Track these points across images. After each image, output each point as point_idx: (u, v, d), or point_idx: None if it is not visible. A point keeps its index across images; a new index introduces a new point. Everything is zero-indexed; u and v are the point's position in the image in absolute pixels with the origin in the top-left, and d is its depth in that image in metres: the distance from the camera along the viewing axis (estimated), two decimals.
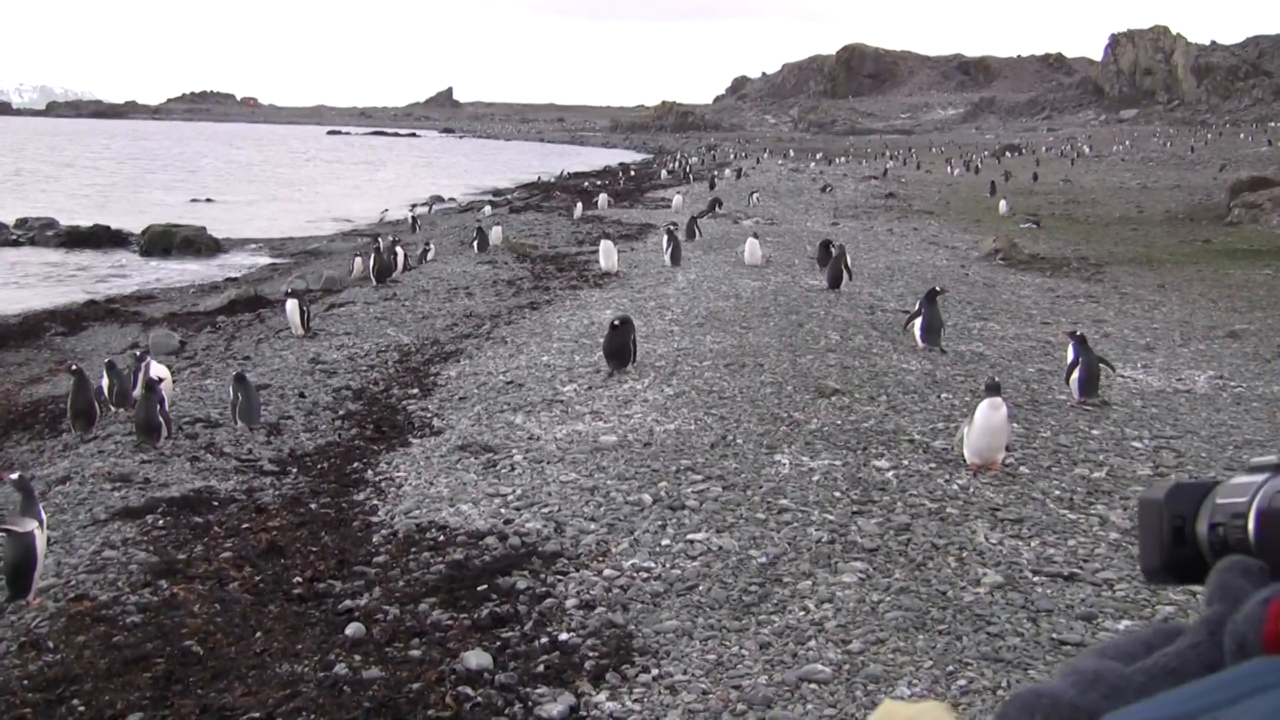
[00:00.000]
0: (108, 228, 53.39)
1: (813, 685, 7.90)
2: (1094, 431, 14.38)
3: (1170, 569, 1.37)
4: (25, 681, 8.55)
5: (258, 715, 7.86)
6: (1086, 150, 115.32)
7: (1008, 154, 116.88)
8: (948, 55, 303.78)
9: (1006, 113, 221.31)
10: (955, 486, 12.06)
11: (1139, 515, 1.42)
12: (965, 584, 9.42)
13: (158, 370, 17.33)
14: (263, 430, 15.87)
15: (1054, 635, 8.55)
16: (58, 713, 8.03)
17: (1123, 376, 17.44)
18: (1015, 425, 13.49)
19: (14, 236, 54.58)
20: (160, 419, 15.08)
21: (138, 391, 17.30)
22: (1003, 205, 48.63)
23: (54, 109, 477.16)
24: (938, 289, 20.04)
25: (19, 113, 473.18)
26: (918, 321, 19.19)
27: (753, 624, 8.89)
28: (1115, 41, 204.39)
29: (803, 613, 9.03)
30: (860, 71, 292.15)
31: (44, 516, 10.76)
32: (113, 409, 17.44)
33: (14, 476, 11.02)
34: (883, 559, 10.09)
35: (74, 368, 17.82)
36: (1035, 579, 9.62)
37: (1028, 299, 25.39)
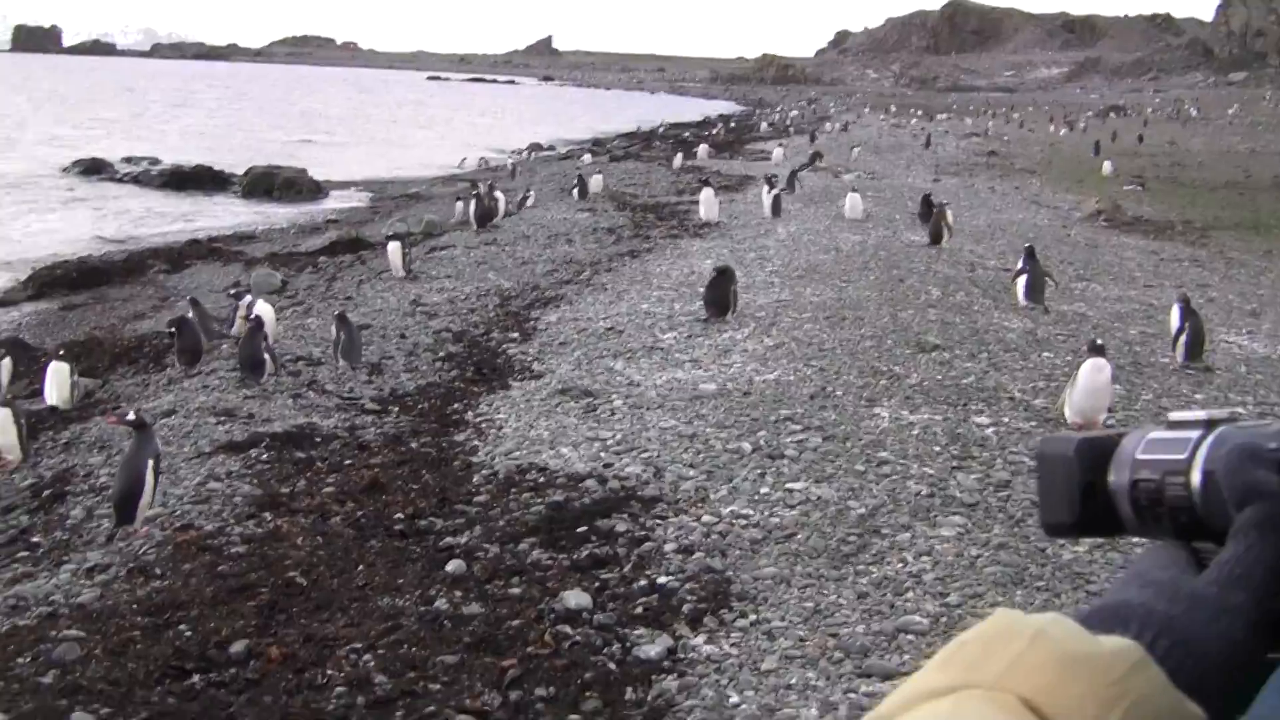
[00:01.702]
0: (210, 168, 53.82)
1: (909, 636, 7.89)
2: (1197, 396, 14.24)
3: (1080, 524, 1.37)
4: (134, 605, 8.70)
5: (359, 646, 7.96)
6: (1193, 113, 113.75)
7: (1112, 115, 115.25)
8: (1053, 13, 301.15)
9: (1112, 73, 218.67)
10: None
11: (1040, 469, 1.39)
12: (1064, 542, 9.37)
13: (262, 308, 17.50)
14: (364, 369, 15.99)
15: None
16: (165, 636, 8.15)
17: (1227, 342, 17.24)
18: (1117, 386, 13.38)
19: (119, 175, 55.23)
20: (265, 355, 15.24)
21: (236, 329, 17.53)
22: (1106, 166, 48.01)
23: (158, 51, 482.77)
24: (1031, 247, 19.93)
25: (124, 54, 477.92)
26: (1021, 279, 19.06)
27: (851, 574, 8.89)
28: (1226, 2, 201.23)
29: (900, 564, 9.02)
30: (964, 27, 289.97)
31: (160, 451, 10.93)
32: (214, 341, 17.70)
33: (131, 416, 11.18)
34: (981, 514, 10.04)
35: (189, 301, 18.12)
36: (1135, 539, 9.54)
37: (1130, 261, 25.11)
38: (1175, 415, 1.30)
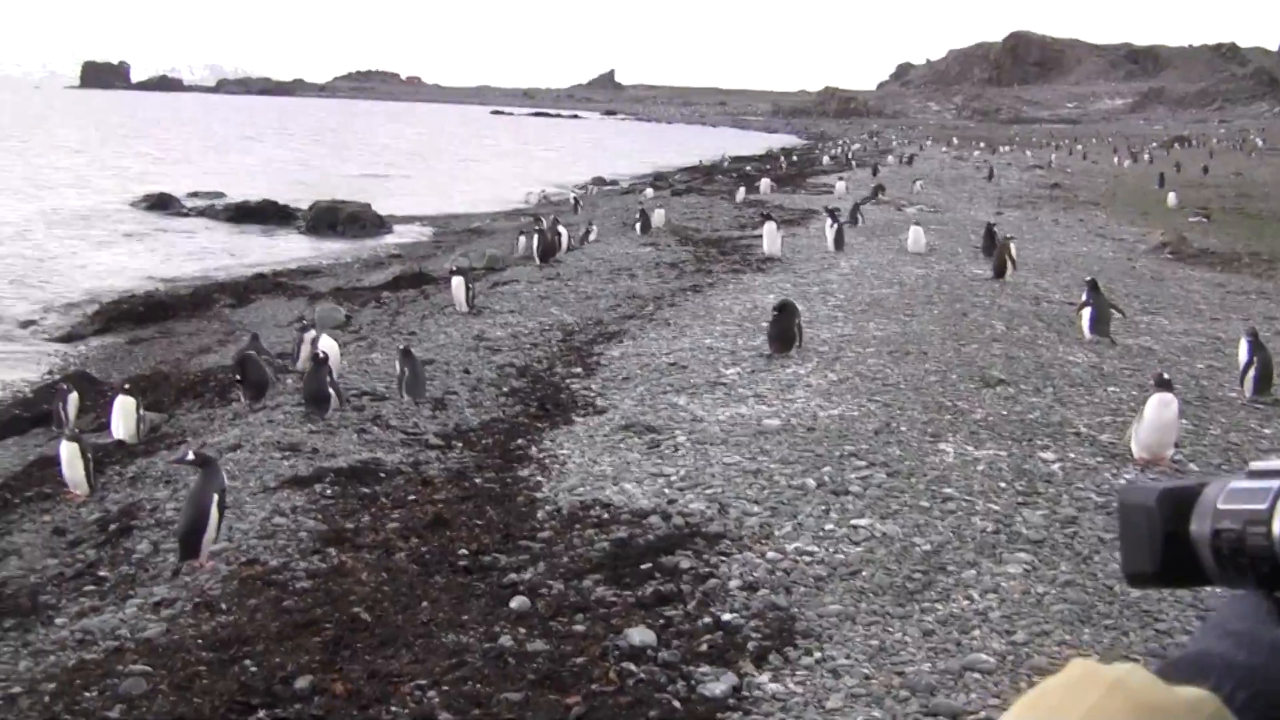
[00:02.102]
0: (275, 203, 54.37)
1: (976, 674, 7.84)
2: (1266, 430, 14.13)
3: (1162, 574, 1.36)
4: (199, 640, 8.74)
5: (424, 682, 7.96)
6: (1259, 143, 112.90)
7: (1176, 145, 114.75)
8: (1116, 44, 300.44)
9: (1176, 103, 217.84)
10: (1122, 480, 11.88)
11: (1123, 519, 1.39)
12: (1147, 591, 9.28)
13: (326, 343, 17.61)
14: (428, 405, 16.03)
15: None
16: (230, 671, 8.18)
17: None
18: (1185, 421, 13.28)
19: (185, 209, 55.83)
20: (329, 390, 15.31)
21: (301, 364, 17.63)
22: (1171, 198, 47.71)
23: (224, 86, 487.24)
24: (1094, 280, 19.84)
25: (190, 89, 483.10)
26: (1086, 311, 18.95)
27: (916, 611, 8.84)
28: None
29: (966, 602, 8.97)
30: (1026, 59, 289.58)
31: (225, 486, 10.99)
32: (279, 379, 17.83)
33: (190, 456, 11.25)
34: (1048, 551, 9.98)
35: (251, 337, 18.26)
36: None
37: (1196, 294, 24.93)
38: (1256, 465, 1.30)
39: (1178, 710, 1.03)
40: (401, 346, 17.32)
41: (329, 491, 12.34)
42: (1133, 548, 1.38)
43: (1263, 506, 1.24)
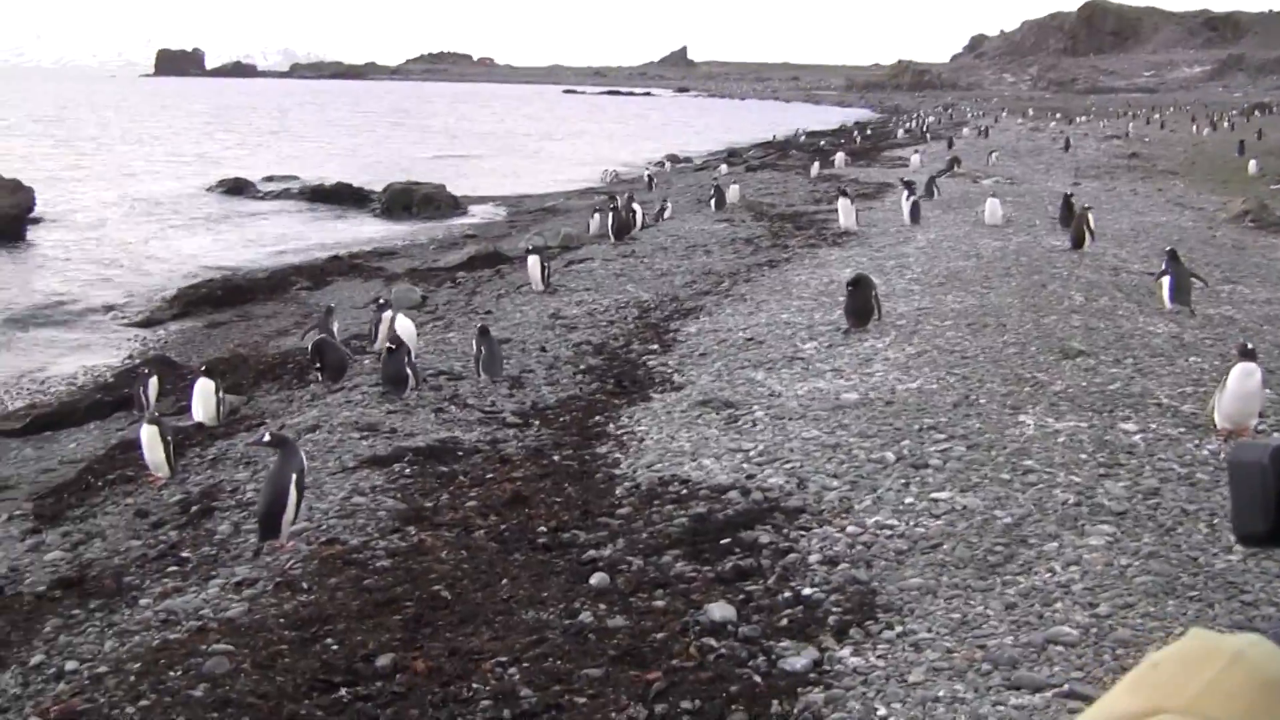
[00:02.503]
0: (349, 185, 54.74)
1: (1059, 647, 7.75)
2: None
3: (1276, 533, 1.31)
4: (281, 619, 8.79)
5: (504, 659, 7.97)
6: None
7: (1257, 113, 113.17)
8: (1194, 11, 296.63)
9: (1256, 70, 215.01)
10: (1205, 452, 11.73)
11: (1234, 477, 1.34)
12: (1217, 550, 9.14)
13: (403, 324, 17.67)
14: (505, 383, 16.06)
15: None
16: (312, 650, 8.22)
17: None
18: (1268, 391, 13.10)
19: (261, 193, 56.23)
20: (408, 371, 15.36)
21: (379, 344, 17.70)
22: (1252, 165, 47.08)
23: (297, 70, 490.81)
24: (1173, 249, 19.65)
25: (264, 75, 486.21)
26: (1165, 280, 18.74)
27: (998, 584, 8.76)
28: None
29: (1049, 574, 8.87)
30: (1102, 28, 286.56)
31: (305, 466, 11.05)
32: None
33: (266, 438, 11.32)
34: (1130, 523, 9.86)
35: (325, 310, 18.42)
36: None
37: (1279, 262, 24.63)
38: None
39: None
40: (479, 326, 17.34)
41: (407, 471, 12.41)
42: (1245, 507, 1.33)
43: None
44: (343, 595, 9.19)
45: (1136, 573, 8.80)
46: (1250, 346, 12.75)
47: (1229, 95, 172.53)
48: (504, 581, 9.44)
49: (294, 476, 10.49)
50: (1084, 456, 11.54)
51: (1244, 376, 12.11)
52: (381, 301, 20.07)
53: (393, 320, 18.16)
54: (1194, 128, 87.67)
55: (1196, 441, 12.04)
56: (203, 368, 17.74)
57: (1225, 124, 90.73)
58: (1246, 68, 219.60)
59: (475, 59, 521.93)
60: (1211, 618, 8.05)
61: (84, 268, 35.24)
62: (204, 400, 16.25)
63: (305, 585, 9.49)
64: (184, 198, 53.88)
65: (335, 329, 19.31)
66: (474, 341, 16.73)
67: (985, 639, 7.92)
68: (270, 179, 60.71)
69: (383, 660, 8.02)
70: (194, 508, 12.31)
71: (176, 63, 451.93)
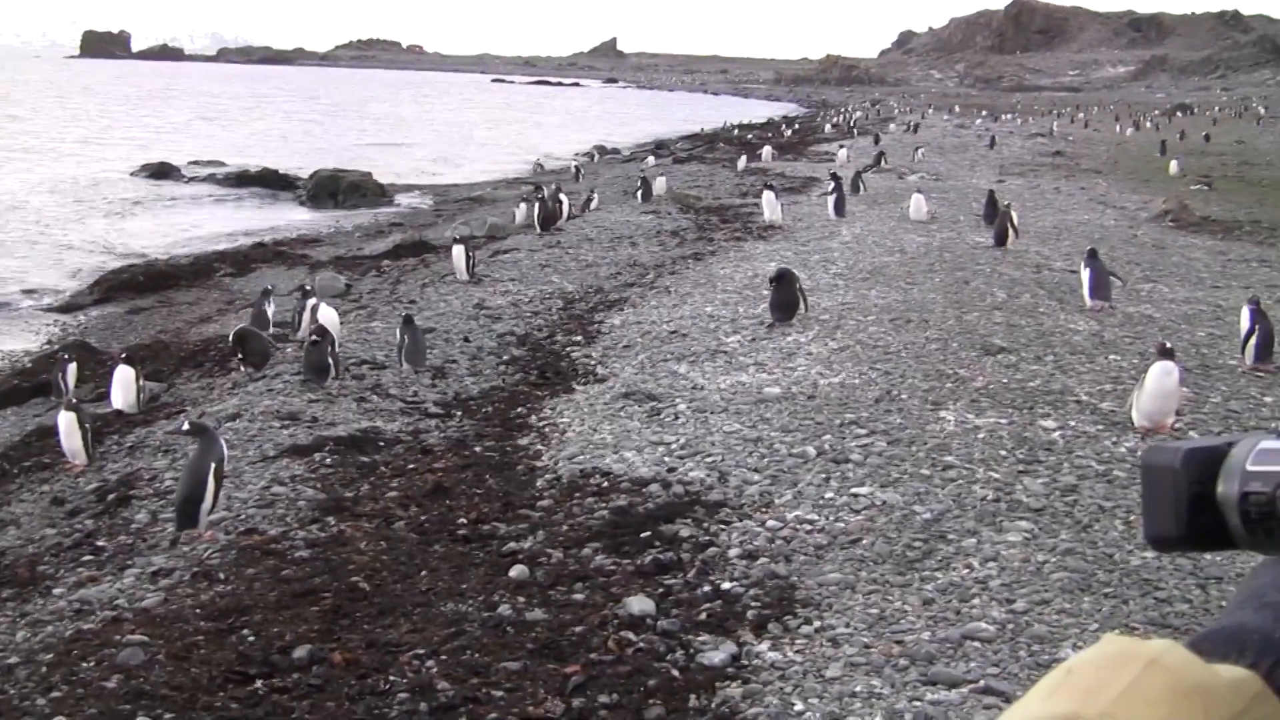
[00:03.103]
0: (275, 172, 54.43)
1: (976, 643, 7.81)
2: (1266, 399, 14.07)
3: (1188, 538, 1.31)
4: (198, 610, 8.74)
5: (423, 652, 7.96)
6: (1262, 111, 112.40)
7: (1179, 113, 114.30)
8: (1119, 11, 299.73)
9: (1179, 71, 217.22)
10: (1123, 449, 11.86)
11: (1146, 480, 1.34)
12: (1133, 547, 9.23)
13: (326, 312, 17.59)
14: (428, 373, 16.03)
15: (1223, 603, 8.35)
16: (228, 641, 8.18)
17: None
18: (1186, 389, 13.24)
19: (186, 178, 55.87)
20: (329, 360, 15.28)
21: (302, 332, 17.62)
22: (1173, 165, 47.52)
23: (224, 55, 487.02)
24: (1094, 249, 19.85)
25: (191, 58, 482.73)
26: (1085, 277, 18.91)
27: (916, 580, 8.82)
28: None
29: (967, 570, 8.94)
30: (1029, 27, 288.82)
31: (225, 455, 10.98)
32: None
33: (185, 426, 11.26)
34: (1048, 519, 9.94)
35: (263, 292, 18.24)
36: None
37: (1198, 262, 24.84)
38: None
39: (1220, 691, 0.98)
40: (403, 315, 17.28)
41: (328, 460, 12.36)
42: (1156, 510, 1.33)
43: None
44: (260, 586, 9.15)
45: (1053, 569, 8.88)
46: (1168, 345, 12.92)
47: (1152, 95, 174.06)
48: (423, 573, 9.43)
49: (213, 466, 10.43)
50: (1003, 453, 11.64)
51: (1162, 375, 12.25)
52: (305, 289, 19.97)
53: (316, 308, 18.08)
54: (1117, 127, 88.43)
55: (1114, 439, 12.16)
56: (123, 354, 17.55)
57: (1148, 124, 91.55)
58: (1169, 69, 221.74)
59: (405, 46, 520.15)
60: (1126, 614, 8.13)
61: (3, 250, 34.86)
62: (124, 387, 16.09)
63: (223, 575, 9.44)
64: (108, 181, 53.32)
65: (270, 312, 19.16)
66: (397, 330, 16.68)
67: (903, 634, 7.97)
68: (196, 164, 60.28)
69: (300, 652, 7.99)
70: (111, 496, 12.19)
71: (102, 44, 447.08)
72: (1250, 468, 1.25)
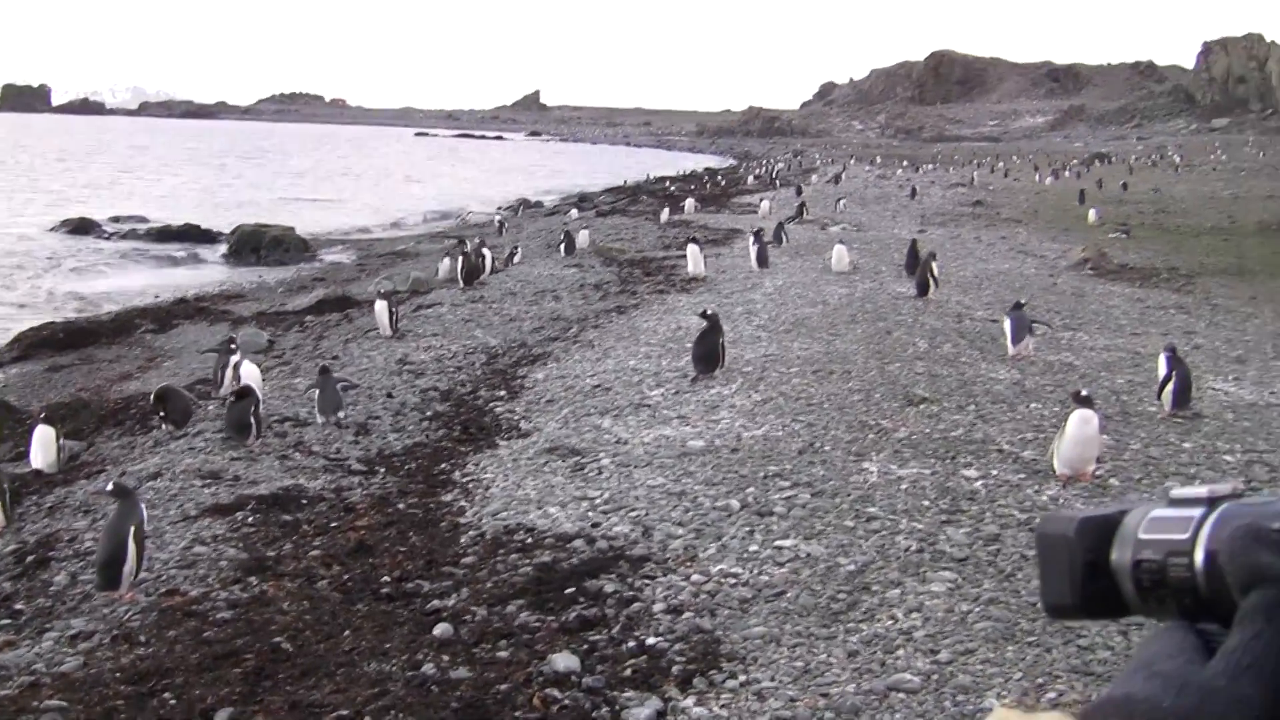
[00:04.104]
0: (198, 227, 54.33)
1: (901, 695, 7.83)
2: (1185, 444, 14.20)
3: (1083, 606, 1.33)
4: (118, 674, 8.65)
5: (346, 713, 7.90)
6: (1177, 159, 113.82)
7: (1097, 162, 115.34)
8: (1037, 62, 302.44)
9: (1096, 121, 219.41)
10: (1045, 497, 11.95)
11: (1041, 549, 1.36)
12: (1069, 623, 9.29)
13: (249, 369, 17.49)
14: (350, 430, 15.95)
15: None
16: (149, 705, 8.10)
17: (1214, 389, 17.20)
18: (1106, 437, 13.35)
19: (107, 234, 55.52)
20: (251, 419, 15.18)
21: (224, 389, 17.50)
22: (1092, 214, 48.01)
23: (146, 109, 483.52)
24: (1021, 301, 20.01)
25: (112, 112, 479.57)
26: (1007, 326, 19.07)
27: (841, 632, 8.85)
28: (1208, 49, 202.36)
29: (891, 621, 8.97)
30: (949, 78, 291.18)
31: (145, 516, 10.87)
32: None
33: (109, 488, 11.16)
34: (972, 569, 10.00)
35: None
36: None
37: (1117, 309, 25.10)
38: (1177, 492, 1.28)
39: None
40: (320, 365, 17.26)
41: (250, 519, 12.26)
42: (1052, 579, 1.35)
43: (1184, 536, 1.22)
44: (182, 648, 9.07)
45: (977, 619, 8.92)
46: (1087, 394, 13.01)
47: (1070, 145, 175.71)
48: (347, 632, 9.37)
49: (132, 529, 10.32)
50: (926, 503, 11.69)
51: (1082, 423, 12.35)
52: (229, 346, 19.87)
53: (238, 365, 17.96)
54: (1037, 176, 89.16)
55: (1036, 487, 12.25)
56: (42, 413, 17.39)
57: (1067, 173, 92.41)
58: (1087, 118, 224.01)
59: (328, 99, 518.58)
60: (1050, 663, 8.18)
61: None
62: (43, 446, 15.92)
63: (143, 638, 9.35)
64: (26, 237, 52.93)
65: (235, 362, 18.64)
66: (316, 381, 16.65)
67: (828, 687, 7.98)
68: (117, 219, 59.89)
69: (221, 715, 7.93)
70: (30, 558, 12.01)
71: (22, 98, 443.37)
72: (1142, 536, 1.27)
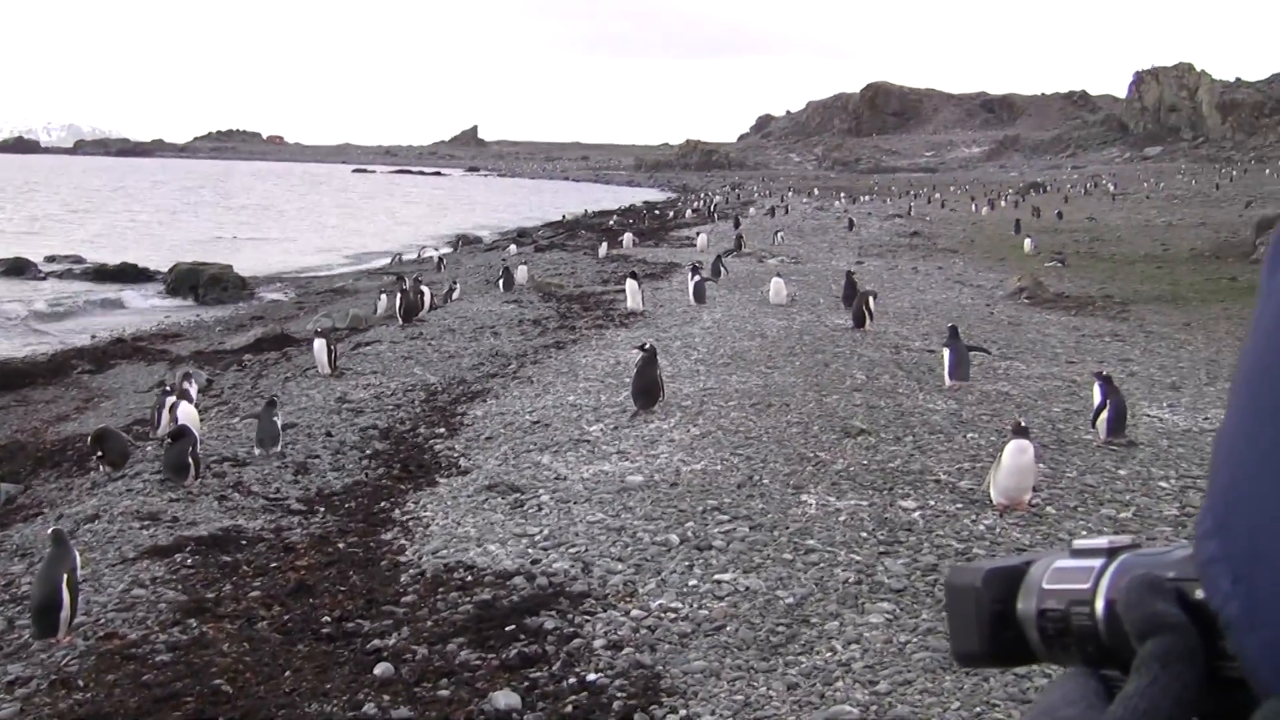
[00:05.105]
0: (135, 266, 54.11)
1: None
2: (1120, 471, 14.32)
3: (991, 654, 1.38)
4: (55, 719, 8.60)
5: None
6: (1111, 188, 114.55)
7: (1032, 192, 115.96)
8: (972, 93, 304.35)
9: (1031, 150, 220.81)
10: (982, 527, 12.03)
11: (950, 600, 1.40)
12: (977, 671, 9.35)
13: (187, 409, 17.40)
14: (290, 469, 15.91)
15: None
16: None
17: (1149, 415, 17.35)
18: (1042, 465, 13.46)
19: (42, 274, 55.09)
20: (189, 460, 15.12)
21: (161, 430, 17.42)
22: (1028, 243, 48.38)
23: (82, 147, 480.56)
24: (954, 326, 20.11)
25: (48, 150, 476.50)
26: (946, 357, 19.19)
27: (780, 664, 8.88)
28: (1140, 79, 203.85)
29: (830, 653, 9.02)
30: (885, 109, 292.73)
31: (78, 562, 10.82)
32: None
33: (49, 532, 11.10)
34: (910, 600, 10.07)
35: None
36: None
37: (1053, 338, 25.27)
38: (1079, 543, 1.32)
39: None
40: (268, 399, 17.28)
41: (189, 561, 12.20)
42: (961, 628, 1.38)
43: (1085, 586, 1.26)
44: (120, 692, 9.02)
45: (915, 649, 8.98)
46: (1023, 423, 13.10)
47: (1006, 174, 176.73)
48: (287, 674, 9.35)
49: (65, 576, 10.27)
50: (864, 534, 11.75)
51: (1018, 453, 12.45)
52: (166, 387, 19.75)
53: (175, 405, 17.87)
54: (973, 206, 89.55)
55: (973, 517, 12.32)
56: None
57: (1003, 203, 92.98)
58: (1022, 148, 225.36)
59: (265, 136, 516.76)
60: (987, 691, 8.23)
61: None
62: None
63: (81, 682, 9.30)
64: None
65: (171, 403, 18.46)
66: (258, 411, 16.67)
67: None
68: (53, 259, 59.52)
69: None
70: None
71: None
72: (1046, 585, 1.32)
